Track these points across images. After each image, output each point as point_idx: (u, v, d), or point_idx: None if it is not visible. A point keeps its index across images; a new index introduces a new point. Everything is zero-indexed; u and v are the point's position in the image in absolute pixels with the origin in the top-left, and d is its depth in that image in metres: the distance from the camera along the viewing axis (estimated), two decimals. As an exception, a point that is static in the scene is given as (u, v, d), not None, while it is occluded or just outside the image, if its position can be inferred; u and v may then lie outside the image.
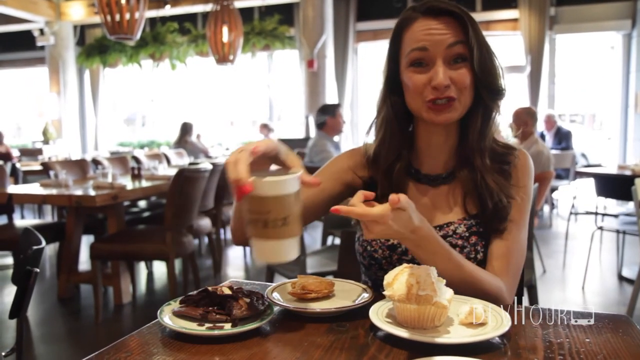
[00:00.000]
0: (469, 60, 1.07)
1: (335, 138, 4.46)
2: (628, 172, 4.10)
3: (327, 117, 4.33)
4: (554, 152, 5.92)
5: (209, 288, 0.95)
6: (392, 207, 0.88)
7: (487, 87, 1.09)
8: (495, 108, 1.13)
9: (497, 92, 1.11)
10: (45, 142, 9.62)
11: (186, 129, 7.36)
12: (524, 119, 4.24)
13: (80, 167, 4.57)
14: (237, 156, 0.84)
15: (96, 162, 5.02)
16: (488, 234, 1.13)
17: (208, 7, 6.80)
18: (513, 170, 1.16)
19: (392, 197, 0.88)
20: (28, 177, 6.62)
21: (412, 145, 1.20)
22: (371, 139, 1.24)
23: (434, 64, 1.07)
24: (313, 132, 7.45)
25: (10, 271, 1.74)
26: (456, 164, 1.18)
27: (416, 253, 0.99)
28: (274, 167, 0.95)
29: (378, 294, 0.99)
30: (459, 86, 1.07)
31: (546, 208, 6.60)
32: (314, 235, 5.49)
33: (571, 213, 5.19)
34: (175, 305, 0.95)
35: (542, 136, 6.95)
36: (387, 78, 1.16)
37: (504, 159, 1.16)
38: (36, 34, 9.65)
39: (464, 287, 0.99)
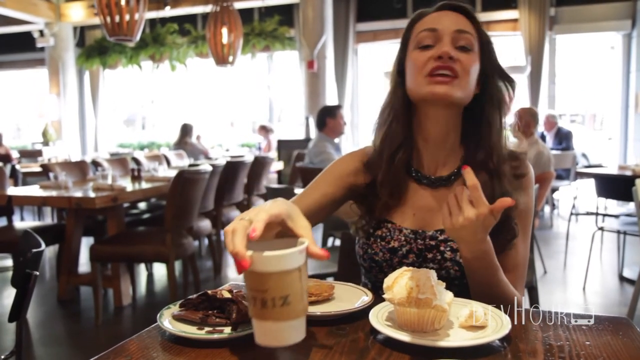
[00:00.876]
0: (477, 52, 1.10)
1: (336, 140, 4.46)
2: (628, 173, 4.09)
3: (328, 118, 4.33)
4: (554, 152, 5.91)
5: (209, 292, 0.95)
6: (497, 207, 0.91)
7: (498, 72, 1.14)
8: (504, 103, 1.14)
9: (508, 79, 1.15)
10: (45, 143, 9.62)
11: (186, 130, 7.36)
12: (527, 120, 4.23)
13: (80, 169, 4.57)
14: (235, 225, 0.77)
15: (96, 164, 5.02)
16: (495, 246, 1.11)
17: (208, 8, 6.80)
18: (524, 180, 1.16)
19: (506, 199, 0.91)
20: (28, 178, 6.62)
21: (413, 145, 1.19)
22: (369, 140, 1.26)
23: (440, 42, 1.09)
24: (313, 134, 7.46)
25: (10, 273, 1.74)
26: (458, 167, 1.16)
27: (471, 264, 1.02)
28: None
29: (378, 297, 0.99)
30: (464, 66, 1.07)
31: (547, 208, 6.59)
32: (314, 237, 5.48)
33: (572, 213, 5.19)
34: (175, 308, 0.95)
35: (543, 137, 6.94)
36: (394, 69, 1.19)
37: (518, 171, 1.15)
38: (36, 35, 9.65)
39: (495, 302, 0.97)
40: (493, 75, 1.13)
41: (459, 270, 1.10)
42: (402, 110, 1.16)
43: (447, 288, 1.12)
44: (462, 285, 1.10)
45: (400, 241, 1.15)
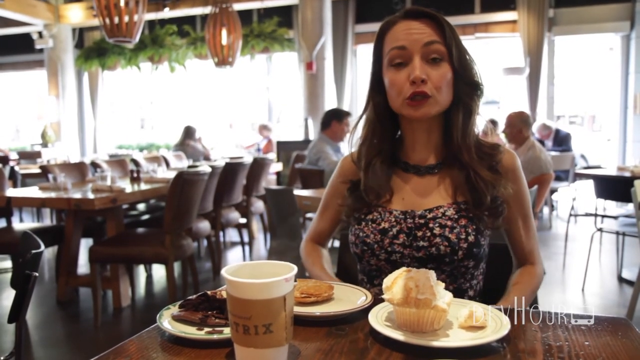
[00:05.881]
0: (447, 59, 1.14)
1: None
2: (627, 174, 4.10)
3: (334, 121, 4.35)
4: (553, 153, 5.91)
5: (208, 292, 0.95)
6: None
7: (466, 82, 1.17)
8: (474, 104, 1.19)
9: (476, 86, 1.18)
10: (44, 145, 9.60)
11: (189, 132, 7.33)
12: (518, 126, 4.15)
13: (79, 170, 4.57)
14: None
15: (95, 165, 5.02)
16: (487, 228, 1.19)
17: (207, 10, 6.80)
18: (501, 168, 1.22)
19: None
20: (27, 180, 6.61)
21: (401, 140, 1.27)
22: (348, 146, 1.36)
23: (412, 61, 1.14)
24: (312, 135, 7.46)
25: (9, 274, 1.75)
26: (443, 159, 1.23)
27: None
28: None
29: (377, 298, 0.99)
30: (435, 84, 1.13)
31: (546, 210, 6.59)
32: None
33: (571, 215, 5.18)
34: (174, 309, 0.95)
35: (541, 140, 6.93)
36: (371, 79, 1.27)
37: (493, 158, 1.21)
38: (35, 36, 9.64)
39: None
40: (457, 80, 1.17)
41: (449, 246, 1.14)
42: (378, 122, 1.25)
43: (439, 269, 1.14)
44: (452, 263, 1.14)
45: (390, 222, 1.19)
